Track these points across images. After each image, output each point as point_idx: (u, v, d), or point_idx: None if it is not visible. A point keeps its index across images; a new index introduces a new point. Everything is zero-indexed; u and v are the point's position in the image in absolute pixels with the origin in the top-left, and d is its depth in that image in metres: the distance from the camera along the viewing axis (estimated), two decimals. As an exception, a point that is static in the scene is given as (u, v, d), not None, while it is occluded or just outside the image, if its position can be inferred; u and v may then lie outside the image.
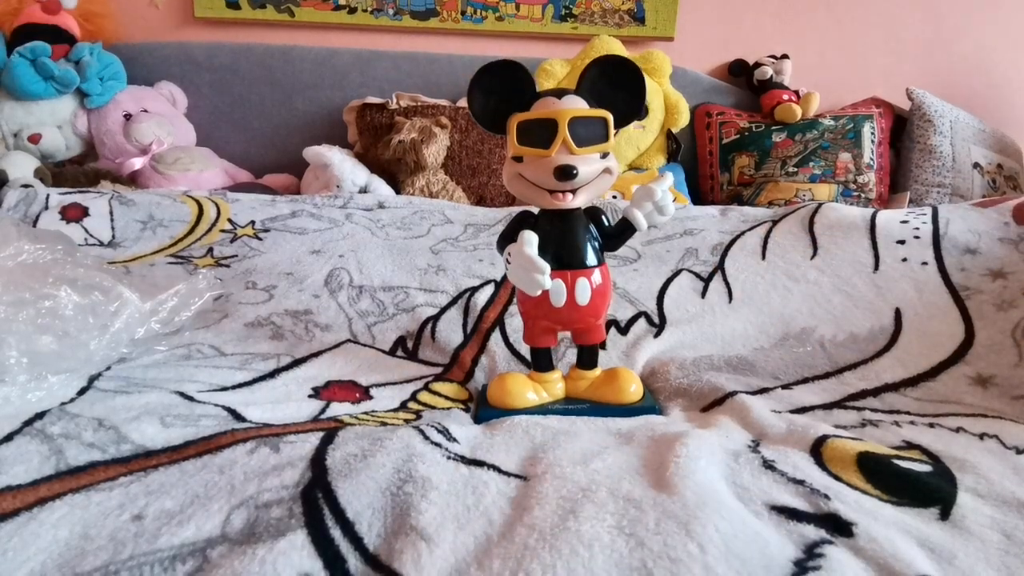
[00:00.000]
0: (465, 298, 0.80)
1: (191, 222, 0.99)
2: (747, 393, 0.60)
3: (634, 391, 0.58)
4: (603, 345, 0.71)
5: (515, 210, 0.99)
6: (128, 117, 1.47)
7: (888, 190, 1.58)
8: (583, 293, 0.55)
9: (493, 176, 1.51)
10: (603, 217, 0.59)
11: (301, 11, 1.64)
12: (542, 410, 0.57)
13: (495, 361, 0.69)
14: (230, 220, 1.00)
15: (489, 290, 0.81)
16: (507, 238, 0.57)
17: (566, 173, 0.51)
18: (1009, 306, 0.68)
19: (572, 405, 0.59)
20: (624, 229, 0.58)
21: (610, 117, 0.53)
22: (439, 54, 1.66)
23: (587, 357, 0.61)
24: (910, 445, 0.49)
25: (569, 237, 0.56)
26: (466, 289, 0.82)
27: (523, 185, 0.55)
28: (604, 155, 0.54)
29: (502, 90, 0.55)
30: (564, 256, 0.55)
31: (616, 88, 0.55)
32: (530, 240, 0.52)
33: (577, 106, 0.53)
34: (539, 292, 0.53)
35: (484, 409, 0.58)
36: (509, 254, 0.54)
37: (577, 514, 0.37)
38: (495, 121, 0.56)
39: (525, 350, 0.67)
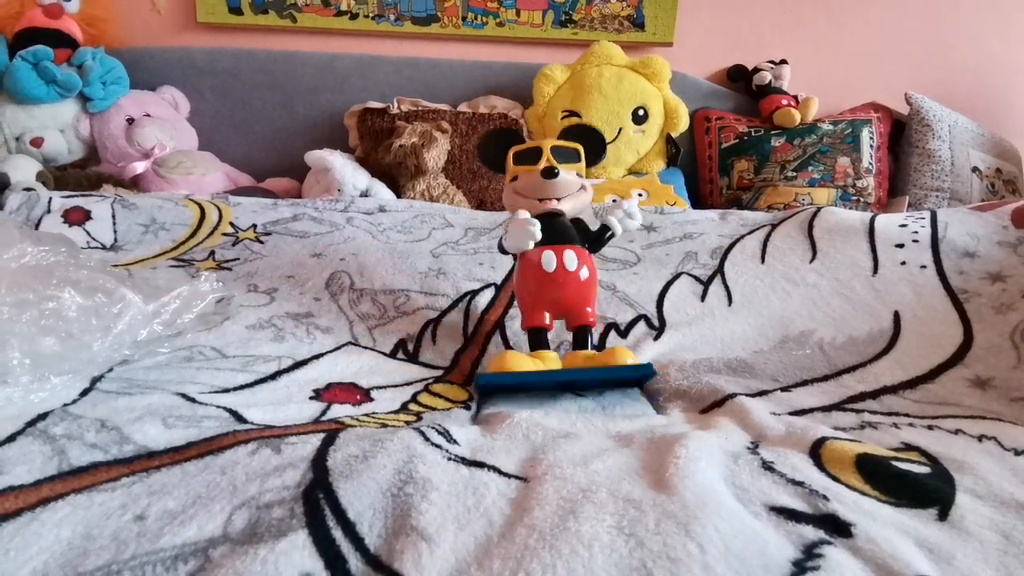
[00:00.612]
0: (466, 301, 0.80)
1: (193, 226, 0.99)
2: (746, 395, 0.60)
3: (631, 362, 0.62)
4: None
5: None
6: (130, 121, 1.47)
7: (887, 194, 1.59)
8: (571, 260, 0.65)
9: (493, 180, 1.51)
10: (586, 225, 0.71)
11: (303, 16, 1.65)
12: (541, 375, 0.60)
13: (495, 364, 0.69)
14: (232, 224, 1.01)
15: (489, 293, 0.82)
16: (494, 143, 0.75)
17: (550, 172, 0.66)
18: (1008, 309, 0.69)
19: (572, 371, 0.62)
20: (603, 233, 0.70)
21: (581, 148, 0.72)
22: (440, 59, 1.66)
23: (581, 338, 0.66)
24: (909, 447, 0.50)
25: (557, 227, 0.68)
26: (467, 292, 0.82)
27: (518, 199, 0.70)
28: (580, 175, 0.71)
29: (501, 143, 0.74)
30: (554, 237, 0.66)
31: (584, 140, 0.73)
32: (524, 213, 0.67)
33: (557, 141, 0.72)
34: (531, 243, 0.64)
35: (483, 375, 0.61)
36: (507, 227, 0.66)
37: (577, 515, 0.37)
38: (498, 164, 0.75)
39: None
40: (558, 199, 0.68)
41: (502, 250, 0.70)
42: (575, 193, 0.69)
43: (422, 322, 0.76)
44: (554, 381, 0.62)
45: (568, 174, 0.68)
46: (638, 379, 0.64)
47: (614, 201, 1.37)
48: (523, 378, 0.60)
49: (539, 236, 0.64)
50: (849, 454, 0.45)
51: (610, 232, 0.70)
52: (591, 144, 0.73)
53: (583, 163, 0.72)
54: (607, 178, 1.54)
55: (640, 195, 1.42)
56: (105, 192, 1.19)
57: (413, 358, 0.70)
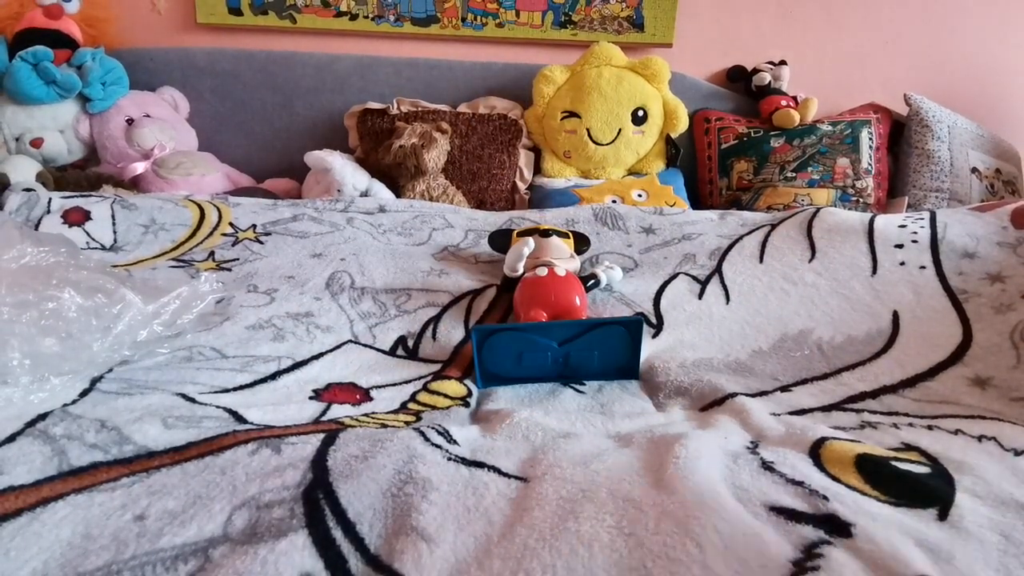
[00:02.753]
0: (468, 300, 0.80)
1: (193, 226, 0.99)
2: (746, 395, 0.60)
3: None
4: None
5: (513, 215, 1.03)
6: (130, 122, 1.47)
7: (886, 195, 1.59)
8: (560, 270, 0.77)
9: (493, 181, 1.51)
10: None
11: (303, 17, 1.65)
12: (536, 326, 0.64)
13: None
14: (231, 224, 1.01)
15: (491, 293, 0.82)
16: (500, 236, 0.92)
17: (546, 232, 0.87)
18: (1007, 309, 0.69)
19: (565, 323, 0.66)
20: (587, 280, 0.81)
21: (571, 234, 0.91)
22: (440, 60, 1.66)
23: None
24: (908, 447, 0.50)
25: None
26: (468, 291, 0.82)
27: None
28: (570, 250, 0.86)
29: (505, 236, 0.91)
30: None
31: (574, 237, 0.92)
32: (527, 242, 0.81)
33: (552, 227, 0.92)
34: (523, 260, 0.79)
35: (480, 327, 0.67)
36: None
37: (577, 514, 0.37)
38: (503, 249, 0.88)
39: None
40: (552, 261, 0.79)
41: (505, 284, 0.81)
42: (565, 258, 0.81)
43: (423, 320, 0.76)
44: (549, 334, 0.64)
45: (560, 241, 0.85)
46: (630, 333, 0.64)
47: (613, 202, 1.37)
48: (518, 329, 0.64)
49: (531, 246, 0.80)
50: (849, 454, 0.45)
51: (595, 280, 0.81)
52: (578, 238, 0.92)
53: (572, 242, 0.89)
54: (607, 178, 1.54)
55: (639, 196, 1.43)
56: (105, 193, 1.19)
57: (413, 354, 0.70)
